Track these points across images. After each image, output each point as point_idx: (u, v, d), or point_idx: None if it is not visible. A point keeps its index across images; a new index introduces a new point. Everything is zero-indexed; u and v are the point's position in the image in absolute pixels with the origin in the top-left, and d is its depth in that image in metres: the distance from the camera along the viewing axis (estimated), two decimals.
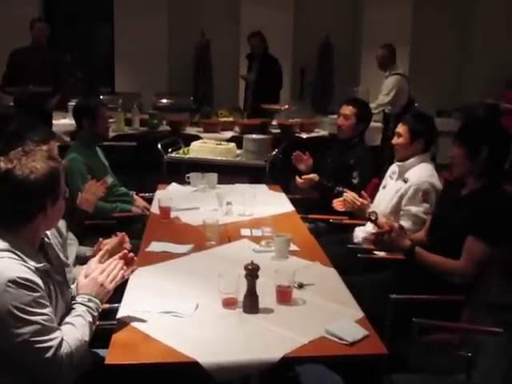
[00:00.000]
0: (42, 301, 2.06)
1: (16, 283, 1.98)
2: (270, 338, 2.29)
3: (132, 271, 2.49)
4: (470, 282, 2.93)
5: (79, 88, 10.01)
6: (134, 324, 2.37)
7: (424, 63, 10.29)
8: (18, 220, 2.12)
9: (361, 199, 3.89)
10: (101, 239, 3.21)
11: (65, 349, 2.06)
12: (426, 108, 9.13)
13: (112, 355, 2.15)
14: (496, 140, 3.06)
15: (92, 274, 2.35)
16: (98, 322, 2.32)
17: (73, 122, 4.77)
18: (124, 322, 2.38)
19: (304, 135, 7.28)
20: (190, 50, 10.05)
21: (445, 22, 10.58)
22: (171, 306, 2.50)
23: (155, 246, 3.32)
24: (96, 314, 2.27)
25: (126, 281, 2.75)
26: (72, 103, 7.23)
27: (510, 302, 4.51)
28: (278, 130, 7.29)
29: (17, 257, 2.06)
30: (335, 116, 7.33)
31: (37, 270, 2.10)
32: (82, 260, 3.24)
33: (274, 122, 7.43)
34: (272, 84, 8.17)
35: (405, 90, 7.56)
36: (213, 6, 10.30)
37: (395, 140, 3.86)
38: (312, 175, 4.68)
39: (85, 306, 2.25)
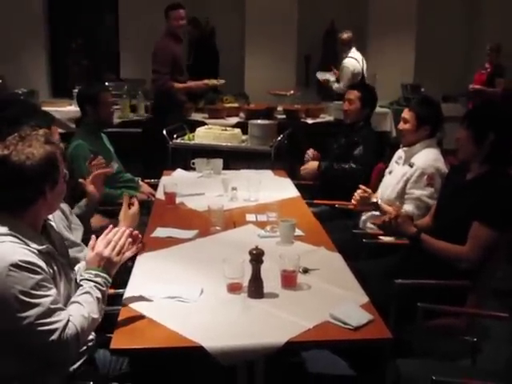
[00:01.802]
0: (46, 283, 2.05)
1: (18, 267, 1.98)
2: (274, 323, 2.29)
3: (137, 248, 2.46)
4: (476, 267, 2.92)
5: (84, 75, 10.01)
6: (139, 309, 2.38)
7: (430, 48, 10.25)
8: (18, 205, 2.12)
9: (358, 194, 3.90)
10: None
11: (70, 330, 2.05)
12: (431, 93, 9.12)
13: (117, 340, 2.16)
14: (503, 126, 3.04)
15: (97, 248, 2.30)
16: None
17: (77, 108, 4.77)
18: (129, 308, 2.39)
19: (309, 121, 7.27)
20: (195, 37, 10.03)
21: (451, 6, 10.52)
22: (176, 291, 2.50)
23: (160, 232, 3.32)
24: (105, 288, 2.25)
25: (132, 266, 2.77)
26: (76, 90, 7.25)
27: None
28: (284, 116, 7.28)
29: (19, 240, 2.06)
30: (341, 102, 7.38)
31: (40, 253, 2.10)
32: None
33: (280, 108, 7.42)
34: (209, 69, 8.15)
35: (358, 72, 8.00)
36: None
37: (401, 125, 3.85)
38: (311, 165, 4.73)
39: (92, 281, 2.22)
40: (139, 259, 2.90)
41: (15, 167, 2.05)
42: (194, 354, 2.20)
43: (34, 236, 2.14)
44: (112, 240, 2.32)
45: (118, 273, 2.38)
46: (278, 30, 9.94)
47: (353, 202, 3.85)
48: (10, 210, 2.12)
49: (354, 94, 4.72)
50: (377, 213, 3.89)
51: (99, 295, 2.21)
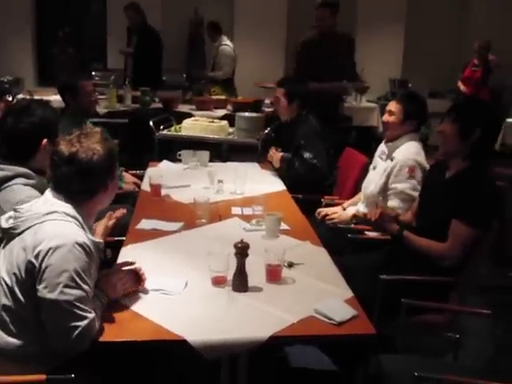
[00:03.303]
0: (92, 272, 2.19)
1: (81, 247, 2.13)
2: (258, 317, 2.29)
3: (138, 289, 2.51)
4: (458, 264, 2.93)
5: (70, 64, 9.95)
6: (123, 301, 2.37)
7: (418, 44, 10.28)
8: (83, 197, 2.28)
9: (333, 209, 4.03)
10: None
11: (93, 327, 2.12)
12: (419, 88, 9.14)
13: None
14: (490, 124, 3.05)
15: (111, 278, 2.41)
16: None
17: None
18: (113, 300, 2.37)
19: None
20: (184, 28, 9.99)
21: (440, 1, 10.55)
22: (160, 283, 2.50)
23: (145, 224, 3.31)
24: (103, 308, 2.31)
25: (116, 258, 2.77)
26: None
27: (498, 283, 4.54)
28: (271, 109, 7.25)
29: (81, 226, 2.21)
30: None
31: (93, 244, 2.22)
32: None
33: (267, 101, 7.40)
34: (151, 56, 8.04)
35: (234, 59, 8.64)
36: None
37: (386, 117, 3.80)
38: (277, 157, 4.68)
39: (100, 300, 2.29)
40: (124, 251, 2.90)
41: (84, 163, 2.22)
42: (178, 347, 2.20)
43: (89, 228, 2.30)
44: (123, 277, 2.45)
45: None
46: (266, 21, 9.94)
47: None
48: (74, 199, 2.25)
49: (279, 92, 4.76)
50: (362, 206, 3.92)
51: (100, 312, 2.27)
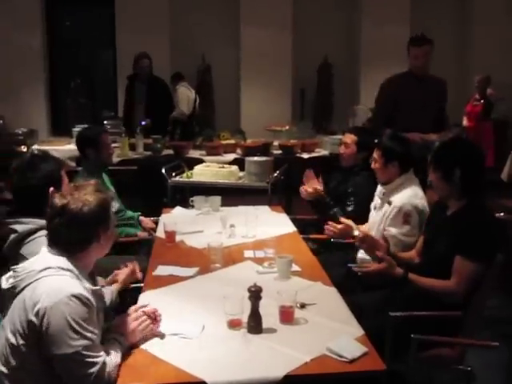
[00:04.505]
0: (95, 320, 2.28)
1: (78, 298, 2.21)
2: (273, 357, 2.38)
3: (156, 328, 2.59)
4: (462, 300, 3.00)
5: (83, 113, 10.16)
6: (143, 346, 2.47)
7: None
8: (76, 247, 2.38)
9: (339, 226, 3.98)
10: (115, 271, 3.29)
11: (107, 368, 2.22)
12: None
13: (122, 378, 2.25)
14: (466, 160, 3.16)
15: (129, 322, 2.49)
16: None
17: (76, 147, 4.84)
18: (133, 345, 2.47)
19: (305, 155, 7.32)
20: (192, 74, 10.19)
21: (441, 38, 10.71)
22: (178, 327, 2.60)
23: (162, 270, 3.41)
24: (120, 354, 2.37)
25: (135, 302, 2.86)
26: (76, 129, 7.34)
27: (508, 314, 4.58)
28: (280, 151, 7.34)
29: (76, 278, 2.30)
30: (336, 136, 7.49)
31: (92, 292, 2.31)
32: None
33: (276, 143, 7.50)
34: (163, 104, 8.16)
35: (192, 99, 9.12)
36: (213, 30, 10.46)
37: (373, 164, 3.95)
38: (318, 187, 4.74)
39: (117, 341, 2.39)
40: (142, 297, 3.00)
41: (74, 214, 2.32)
42: None
43: (86, 277, 2.38)
44: (140, 318, 2.53)
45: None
46: (272, 65, 10.13)
47: (328, 232, 3.97)
48: (68, 251, 2.35)
49: (350, 138, 4.69)
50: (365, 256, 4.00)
51: (120, 354, 2.36)
